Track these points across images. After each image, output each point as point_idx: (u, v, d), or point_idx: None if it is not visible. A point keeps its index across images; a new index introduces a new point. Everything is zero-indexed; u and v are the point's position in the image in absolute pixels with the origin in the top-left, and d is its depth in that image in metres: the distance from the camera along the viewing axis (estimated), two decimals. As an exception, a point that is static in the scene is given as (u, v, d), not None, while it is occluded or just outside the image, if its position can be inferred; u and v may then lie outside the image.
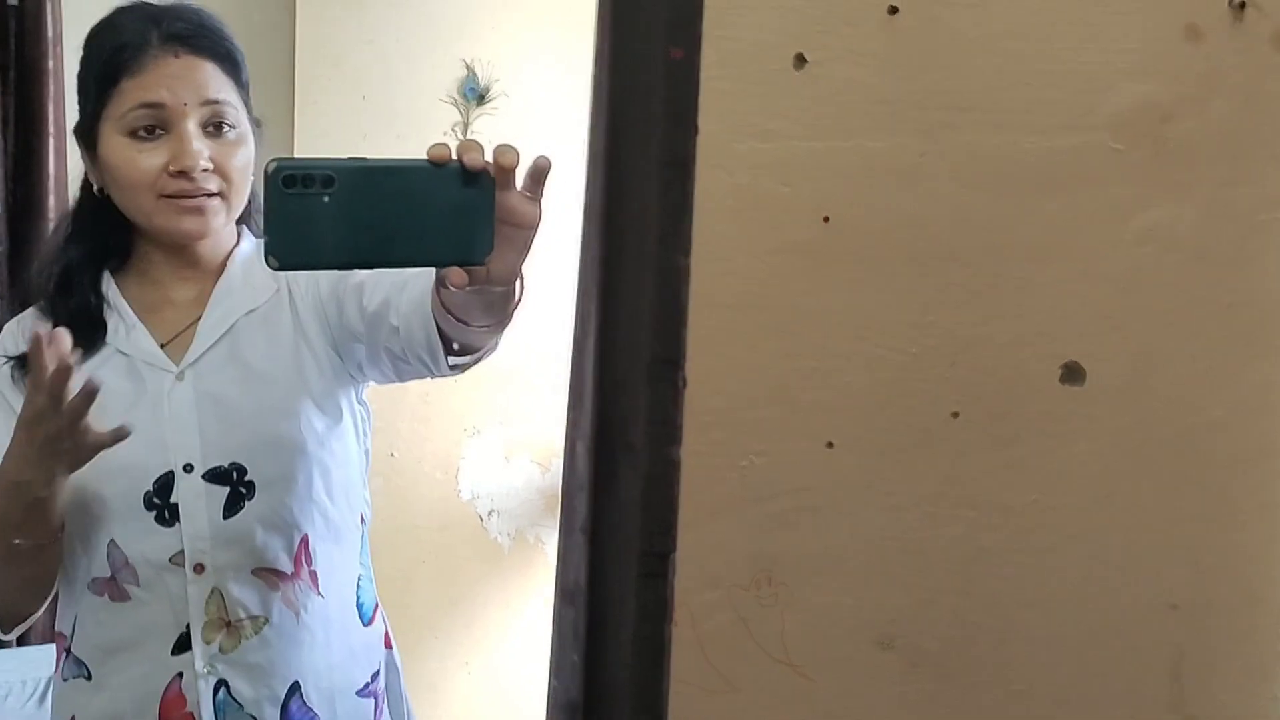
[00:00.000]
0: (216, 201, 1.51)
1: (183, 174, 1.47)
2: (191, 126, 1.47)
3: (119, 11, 1.52)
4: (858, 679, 1.07)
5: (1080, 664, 1.11)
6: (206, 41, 1.50)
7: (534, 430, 3.61)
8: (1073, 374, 1.08)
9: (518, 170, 1.09)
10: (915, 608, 1.08)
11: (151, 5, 1.52)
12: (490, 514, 3.64)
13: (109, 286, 1.56)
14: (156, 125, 1.47)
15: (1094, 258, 1.07)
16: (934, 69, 1.03)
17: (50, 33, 3.23)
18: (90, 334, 1.52)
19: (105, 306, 1.54)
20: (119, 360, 1.51)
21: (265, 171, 0.97)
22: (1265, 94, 1.07)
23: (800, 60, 1.01)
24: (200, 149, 1.47)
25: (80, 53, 1.54)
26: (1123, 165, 1.06)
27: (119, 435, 1.31)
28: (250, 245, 1.61)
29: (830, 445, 1.05)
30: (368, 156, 1.03)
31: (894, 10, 1.02)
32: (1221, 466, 1.11)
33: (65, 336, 1.28)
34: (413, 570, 3.55)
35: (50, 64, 3.25)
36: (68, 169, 3.30)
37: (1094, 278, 1.07)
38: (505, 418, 3.58)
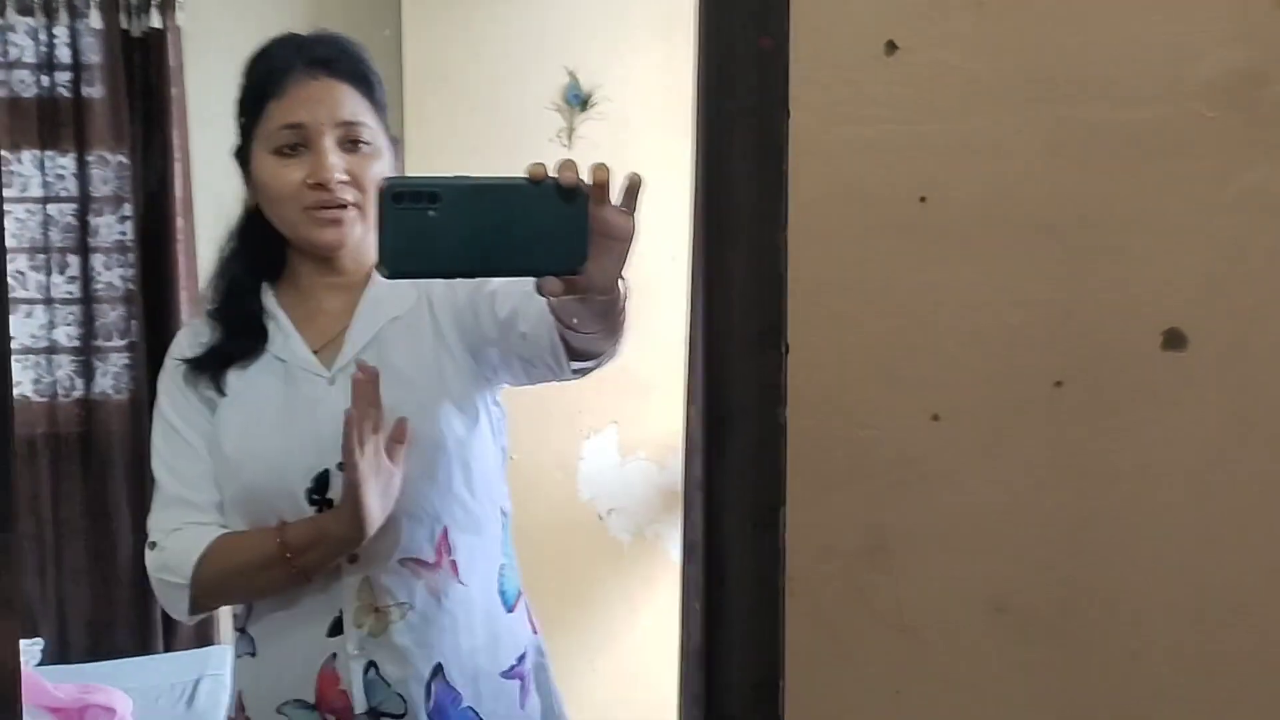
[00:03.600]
0: (353, 213, 1.62)
1: (320, 186, 1.58)
2: (328, 143, 1.58)
3: (272, 42, 1.64)
4: (972, 643, 1.10)
5: (1195, 627, 1.12)
6: (344, 65, 1.63)
7: (649, 429, 3.67)
8: (1174, 340, 1.09)
9: (612, 185, 1.16)
10: (1027, 573, 1.10)
11: (298, 35, 1.63)
12: (609, 512, 3.71)
13: (268, 297, 1.68)
14: (298, 143, 1.59)
15: (1191, 224, 1.08)
16: (1022, 48, 1.06)
17: (173, 63, 3.40)
18: (253, 341, 1.64)
19: (265, 316, 1.66)
20: (277, 366, 1.63)
21: (378, 189, 1.06)
22: (1358, 54, 1.08)
23: (891, 47, 1.04)
24: (336, 162, 1.58)
25: (237, 82, 1.66)
26: (1216, 132, 1.07)
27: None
28: None
29: (936, 418, 1.08)
30: (475, 172, 1.10)
31: (981, -7, 1.05)
32: (1329, 427, 1.11)
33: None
34: (536, 570, 3.61)
35: (175, 92, 3.41)
36: (194, 193, 3.44)
37: (1191, 244, 1.08)
38: (621, 417, 3.64)
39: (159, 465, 1.68)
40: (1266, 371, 1.10)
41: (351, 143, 1.62)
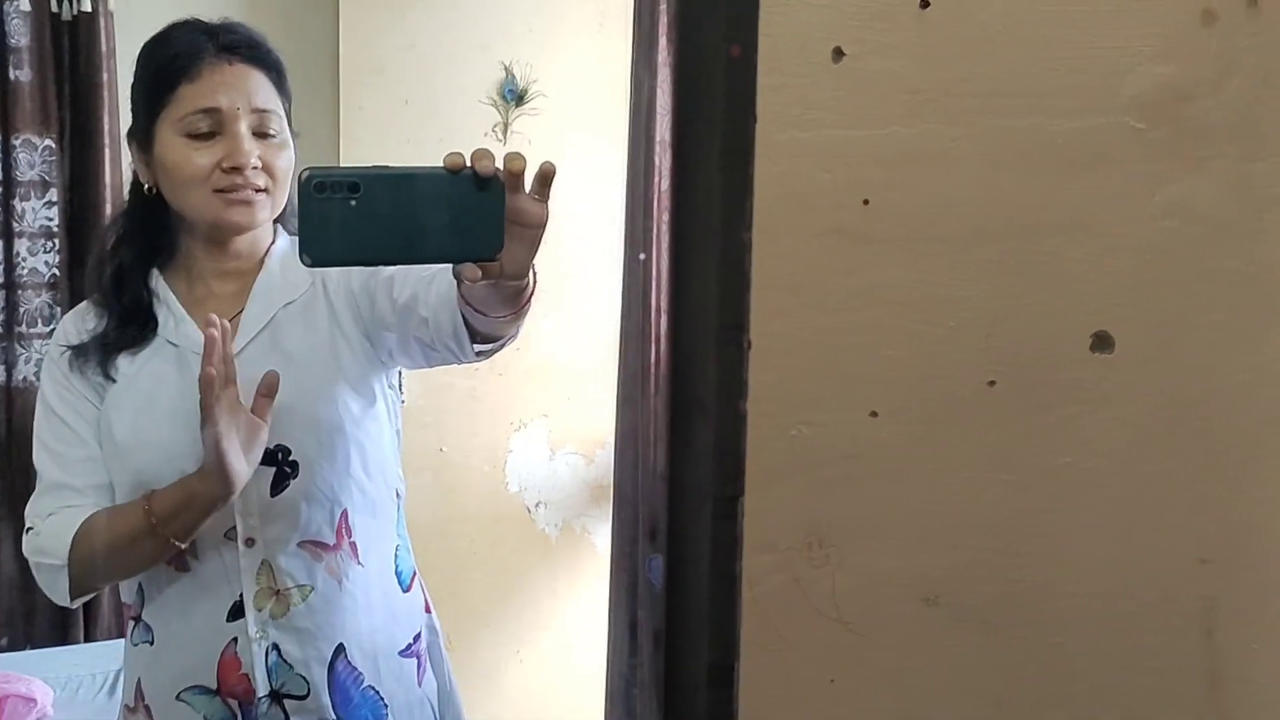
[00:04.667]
0: (263, 197, 1.63)
1: (235, 170, 1.59)
2: (243, 128, 1.59)
3: (174, 26, 1.64)
4: (907, 634, 1.14)
5: (1115, 617, 1.17)
6: (256, 53, 1.64)
7: (578, 423, 3.69)
8: (1102, 342, 1.14)
9: (526, 175, 1.19)
10: (959, 567, 1.14)
11: (204, 21, 1.63)
12: (538, 505, 3.72)
13: (158, 282, 1.67)
14: (212, 127, 1.59)
15: (1120, 232, 1.13)
16: (964, 58, 1.10)
17: (104, 47, 3.35)
18: (142, 327, 1.64)
19: (155, 301, 1.65)
20: (169, 351, 1.62)
21: (299, 179, 1.08)
22: (1278, 73, 1.13)
23: (838, 54, 1.08)
24: (251, 149, 1.59)
25: (135, 64, 1.65)
26: (1145, 144, 1.12)
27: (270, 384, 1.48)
28: (286, 242, 1.72)
29: (874, 414, 1.11)
30: (407, 161, 1.12)
31: (925, 4, 1.08)
32: (1247, 427, 1.17)
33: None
34: (463, 562, 3.63)
35: (105, 77, 3.36)
36: (123, 178, 3.40)
37: (1120, 251, 1.13)
38: (550, 411, 3.66)
39: (40, 453, 1.66)
40: (1189, 372, 1.15)
41: (262, 130, 1.63)
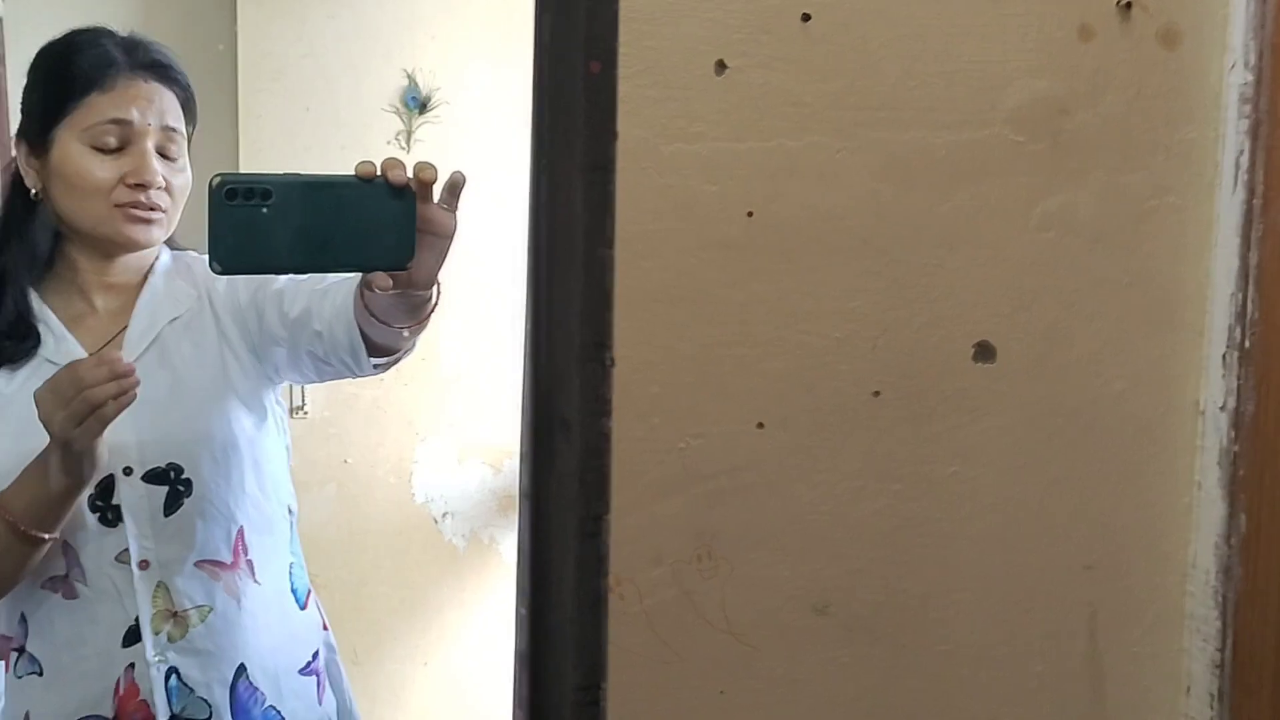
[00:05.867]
0: (162, 216, 1.60)
1: (140, 186, 1.55)
2: (150, 145, 1.56)
3: (80, 32, 1.59)
4: (796, 644, 1.15)
5: (1001, 623, 1.18)
6: (171, 73, 1.60)
7: (485, 433, 3.67)
8: (985, 352, 1.15)
9: (436, 185, 1.18)
10: (847, 576, 1.15)
11: (115, 32, 1.60)
12: (444, 516, 3.69)
13: (33, 298, 1.61)
14: (119, 140, 1.55)
15: (1000, 243, 1.14)
16: (846, 72, 1.10)
17: (-7, 53, 3.27)
18: (22, 340, 1.58)
19: (32, 317, 1.60)
20: (48, 370, 1.56)
21: (210, 185, 1.06)
22: (1152, 88, 1.16)
23: (721, 66, 1.08)
24: (158, 167, 1.55)
25: (32, 65, 1.60)
26: (1023, 157, 1.14)
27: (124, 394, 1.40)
28: (169, 257, 1.68)
29: (760, 426, 1.12)
30: (309, 169, 1.11)
31: (807, 17, 1.09)
32: (1127, 435, 1.19)
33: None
34: (369, 574, 3.59)
35: (-6, 84, 3.29)
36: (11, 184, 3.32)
37: (1001, 262, 1.15)
38: (456, 421, 3.63)
39: None
40: (1069, 381, 1.17)
41: (165, 151, 1.60)
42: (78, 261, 1.64)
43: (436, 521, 3.68)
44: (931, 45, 1.12)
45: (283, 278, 1.60)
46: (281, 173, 1.08)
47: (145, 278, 1.66)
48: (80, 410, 1.37)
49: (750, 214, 1.10)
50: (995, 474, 1.17)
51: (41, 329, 1.60)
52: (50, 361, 1.57)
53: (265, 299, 1.62)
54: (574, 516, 0.94)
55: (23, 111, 1.62)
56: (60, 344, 1.59)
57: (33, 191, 1.61)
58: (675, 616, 1.12)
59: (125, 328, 1.62)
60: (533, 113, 0.95)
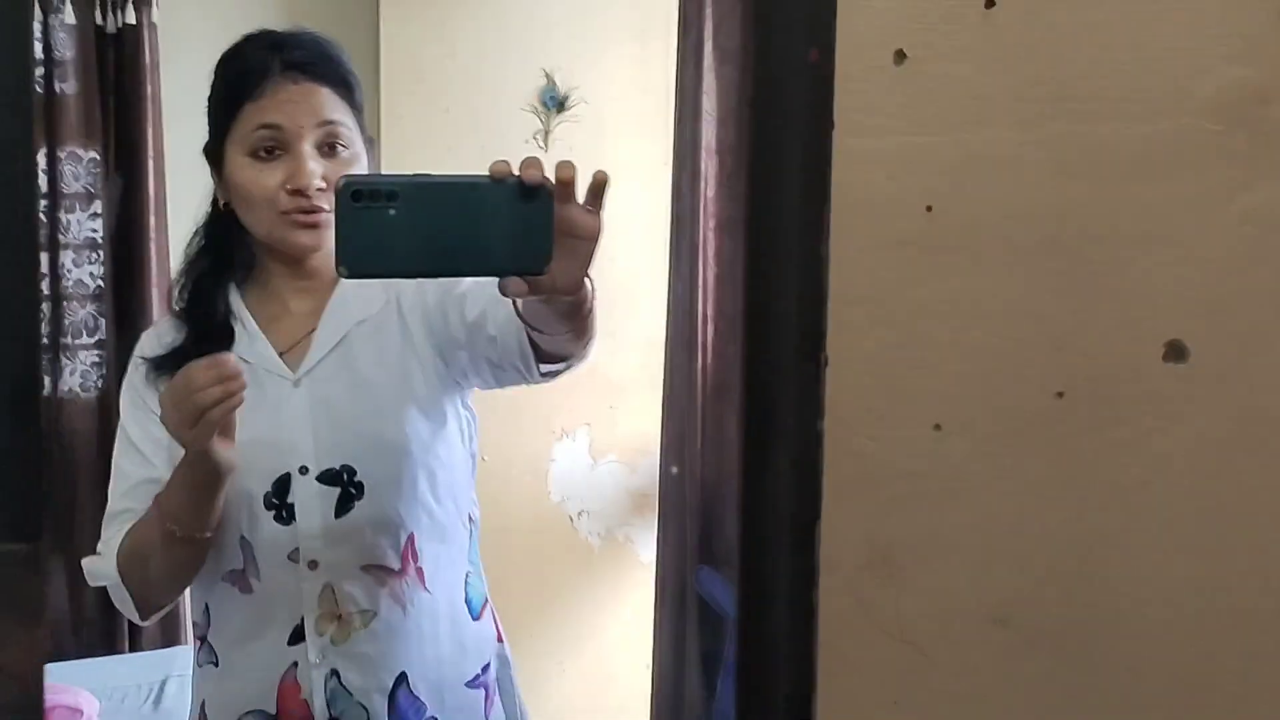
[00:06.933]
0: (329, 217, 1.60)
1: (298, 192, 1.57)
2: (307, 148, 1.57)
3: (245, 40, 1.62)
4: (974, 656, 1.10)
5: (1195, 643, 1.12)
6: (323, 68, 1.61)
7: (621, 431, 3.66)
8: (1177, 353, 1.10)
9: (577, 184, 1.15)
10: (1029, 587, 1.10)
11: (275, 33, 1.61)
12: (580, 514, 3.69)
13: (234, 298, 1.65)
14: (275, 146, 1.57)
15: (1195, 240, 1.09)
16: (1030, 61, 1.06)
17: (148, 59, 3.36)
18: (219, 342, 1.62)
19: (231, 316, 1.63)
20: (242, 368, 1.59)
21: (336, 187, 1.05)
22: (1362, 73, 1.09)
23: (900, 56, 1.04)
24: (315, 169, 1.57)
25: (210, 79, 1.63)
26: (1221, 148, 1.08)
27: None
28: None
29: (938, 428, 1.08)
30: (449, 170, 1.09)
31: (991, 4, 1.05)
32: (1329, 441, 1.12)
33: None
34: (505, 572, 3.60)
35: (149, 90, 3.37)
36: (166, 191, 3.41)
37: (1195, 260, 1.09)
38: (593, 420, 3.63)
39: (112, 476, 1.66)
40: (1269, 385, 1.11)
41: (329, 147, 1.61)
42: (271, 266, 1.68)
43: (572, 520, 3.69)
44: (1121, 32, 1.07)
45: (467, 280, 1.60)
46: (411, 174, 1.07)
47: (337, 279, 1.68)
48: (191, 413, 1.39)
49: (929, 209, 1.06)
50: (1189, 484, 1.11)
51: (237, 328, 1.64)
52: (244, 359, 1.60)
53: (450, 302, 1.63)
54: (787, 522, 0.91)
55: (208, 128, 1.67)
56: (253, 343, 1.63)
57: (221, 203, 1.65)
58: (850, 626, 1.08)
59: (314, 329, 1.64)
60: (749, 102, 0.92)
